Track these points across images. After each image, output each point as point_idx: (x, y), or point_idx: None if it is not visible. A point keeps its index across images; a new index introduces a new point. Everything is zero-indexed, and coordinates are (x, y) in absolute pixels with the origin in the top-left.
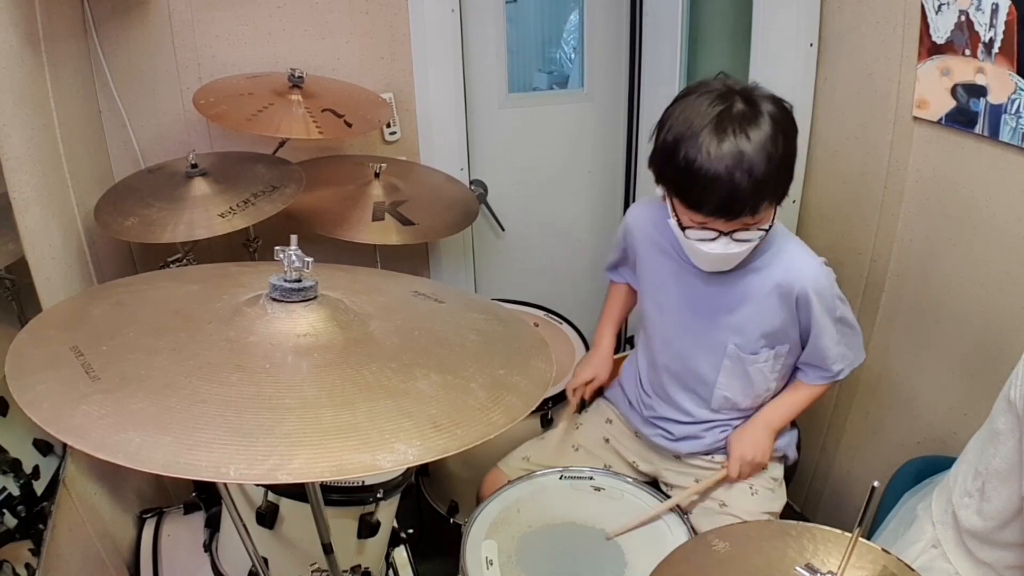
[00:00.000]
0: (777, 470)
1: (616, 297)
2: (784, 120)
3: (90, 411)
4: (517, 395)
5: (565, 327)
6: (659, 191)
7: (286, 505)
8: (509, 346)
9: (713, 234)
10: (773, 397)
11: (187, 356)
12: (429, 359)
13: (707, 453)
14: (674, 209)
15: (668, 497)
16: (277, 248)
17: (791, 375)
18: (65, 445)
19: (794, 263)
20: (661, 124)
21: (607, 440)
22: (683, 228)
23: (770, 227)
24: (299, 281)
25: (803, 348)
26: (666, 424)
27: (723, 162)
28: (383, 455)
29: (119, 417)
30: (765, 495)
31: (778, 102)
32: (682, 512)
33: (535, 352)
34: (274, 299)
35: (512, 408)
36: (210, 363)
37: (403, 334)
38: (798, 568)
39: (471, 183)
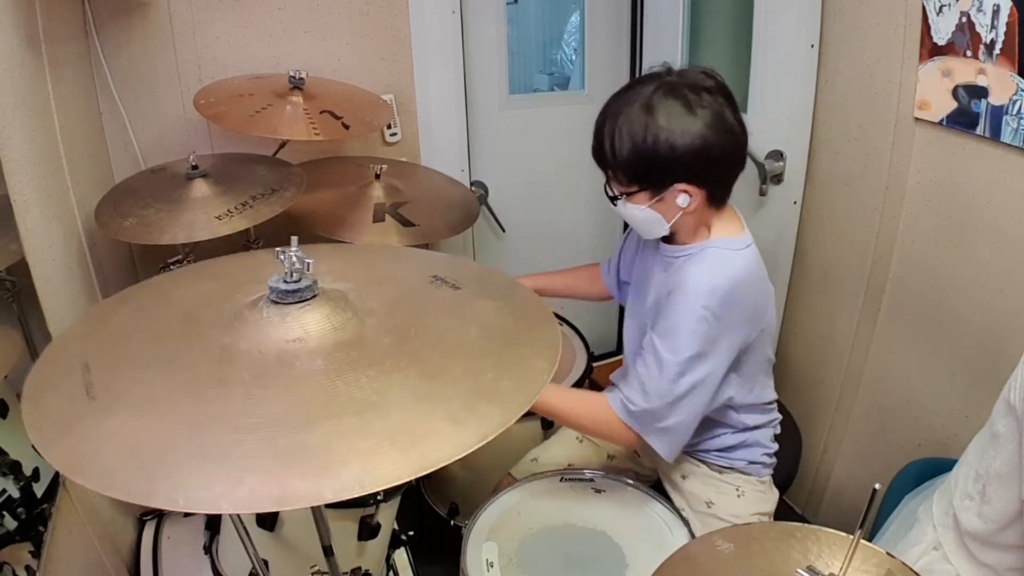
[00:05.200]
0: (764, 473)
1: (579, 271)
2: (665, 115)
3: (80, 433)
4: (499, 405)
5: (565, 328)
6: None
7: None
8: (511, 342)
9: (611, 192)
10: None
11: (177, 368)
12: (413, 364)
13: (688, 451)
14: None
15: (669, 497)
16: (278, 249)
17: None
18: None
19: (700, 267)
20: None
21: None
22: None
23: (673, 205)
24: (297, 282)
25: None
26: None
27: (604, 121)
28: (328, 483)
29: (99, 441)
30: (754, 496)
31: (681, 99)
32: (683, 516)
33: (539, 350)
34: (272, 301)
35: (486, 421)
36: (195, 376)
37: (397, 334)
38: (800, 571)
39: (472, 184)
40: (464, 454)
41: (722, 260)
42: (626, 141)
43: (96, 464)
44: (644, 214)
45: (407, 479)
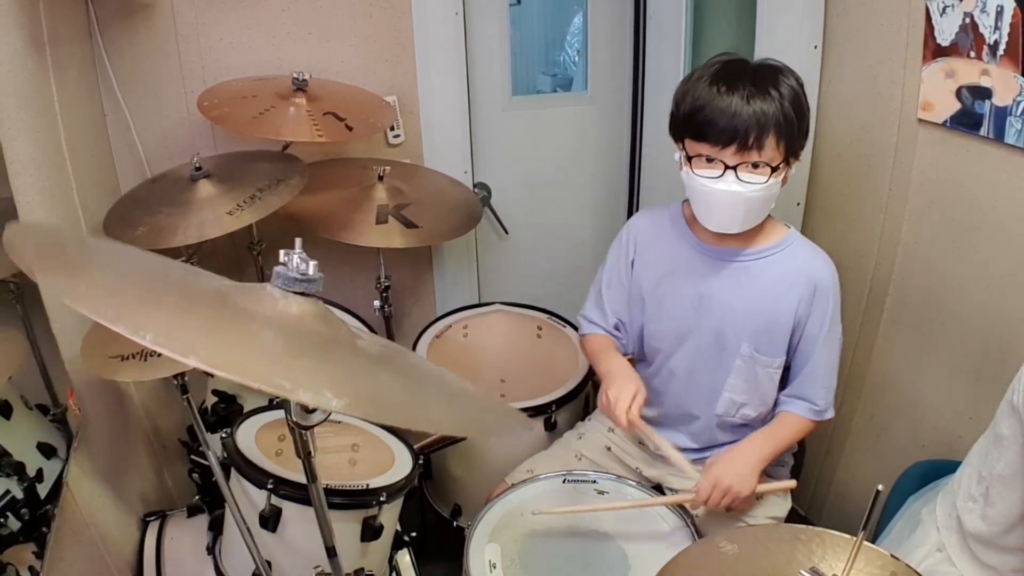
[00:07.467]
0: (783, 475)
1: (600, 341)
2: (793, 77)
3: (59, 260)
4: (473, 412)
5: (568, 330)
6: (676, 155)
7: (289, 508)
8: (490, 415)
9: (719, 170)
10: (765, 418)
11: (170, 281)
12: (402, 372)
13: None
14: (687, 156)
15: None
16: (282, 251)
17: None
18: (68, 448)
19: (814, 259)
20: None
21: (609, 448)
22: (693, 170)
23: (783, 180)
24: (304, 275)
25: (790, 367)
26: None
27: (730, 93)
28: (304, 393)
29: (77, 275)
30: (772, 499)
31: (787, 69)
32: (686, 514)
33: (511, 427)
34: (277, 286)
35: (474, 424)
36: (190, 290)
37: (386, 352)
38: (803, 572)
39: (475, 186)
40: (424, 427)
41: (818, 249)
42: (788, 102)
43: (67, 284)
44: (775, 191)
45: (381, 420)
